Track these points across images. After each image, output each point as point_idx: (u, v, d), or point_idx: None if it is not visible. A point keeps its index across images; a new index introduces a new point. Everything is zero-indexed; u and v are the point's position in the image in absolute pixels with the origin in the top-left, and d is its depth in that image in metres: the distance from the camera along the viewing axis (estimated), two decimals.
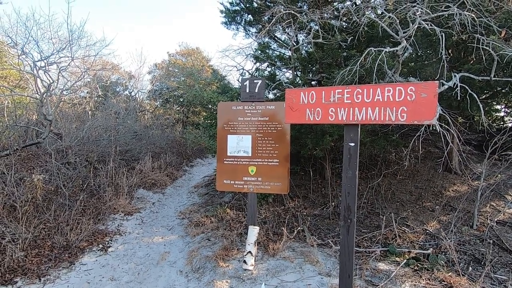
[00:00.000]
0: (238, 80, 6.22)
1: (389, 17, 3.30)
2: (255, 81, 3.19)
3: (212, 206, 5.17)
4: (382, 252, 3.34)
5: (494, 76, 3.21)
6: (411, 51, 3.77)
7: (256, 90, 3.20)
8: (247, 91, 3.20)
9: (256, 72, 5.28)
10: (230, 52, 8.13)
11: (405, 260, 3.09)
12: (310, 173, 5.16)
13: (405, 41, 3.31)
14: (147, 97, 13.23)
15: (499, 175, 4.87)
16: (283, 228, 3.68)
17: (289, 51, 5.02)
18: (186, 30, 40.22)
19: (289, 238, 3.63)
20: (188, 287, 2.90)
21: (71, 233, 3.73)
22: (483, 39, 2.98)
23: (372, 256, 3.24)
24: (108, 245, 3.84)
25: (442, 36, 2.96)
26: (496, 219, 3.94)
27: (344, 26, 4.67)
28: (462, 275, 2.85)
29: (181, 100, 12.51)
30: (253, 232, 3.10)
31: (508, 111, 7.86)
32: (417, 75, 4.40)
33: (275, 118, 3.20)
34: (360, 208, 4.45)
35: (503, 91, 4.35)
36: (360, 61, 3.13)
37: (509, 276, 2.89)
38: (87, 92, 9.64)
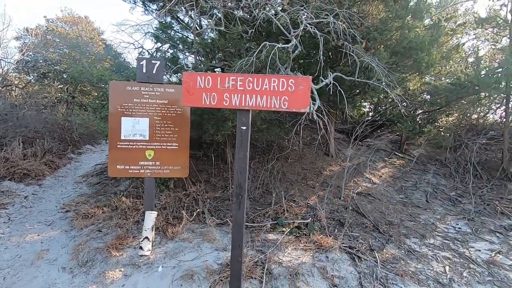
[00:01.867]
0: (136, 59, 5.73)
1: (282, 16, 3.68)
2: (153, 61, 3.04)
3: (105, 195, 4.72)
4: (272, 225, 3.81)
5: (357, 78, 4.02)
6: (301, 50, 4.30)
7: (154, 72, 3.07)
8: (144, 71, 3.03)
9: (156, 52, 4.99)
10: (127, 27, 7.31)
11: (289, 230, 3.63)
12: (212, 158, 5.31)
13: (294, 40, 3.76)
14: (14, 69, 10.62)
15: (360, 157, 6.19)
16: (183, 212, 3.72)
17: (192, 35, 4.95)
18: None
19: (189, 221, 3.70)
20: (73, 283, 2.63)
21: None
22: (350, 46, 3.68)
23: (264, 229, 3.66)
24: None
25: (321, 39, 3.51)
26: (356, 191, 5.01)
27: (246, 18, 4.91)
28: (329, 236, 3.55)
29: (65, 76, 10.58)
30: (150, 217, 3.04)
31: (372, 107, 9.96)
32: (306, 72, 5.06)
33: (175, 101, 3.16)
34: (257, 188, 4.89)
35: (364, 90, 5.47)
36: (256, 53, 3.40)
37: (360, 233, 3.77)
38: None
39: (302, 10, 3.63)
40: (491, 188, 5.50)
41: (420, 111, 7.36)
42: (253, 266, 2.84)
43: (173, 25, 5.38)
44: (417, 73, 5.45)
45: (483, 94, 6.71)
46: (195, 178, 5.03)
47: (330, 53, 5.04)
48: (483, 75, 5.82)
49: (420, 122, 7.33)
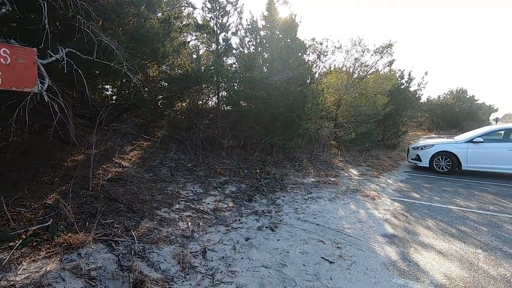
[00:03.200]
0: None
1: None
2: None
3: None
4: None
5: (96, 58, 3.75)
6: (10, 9, 3.28)
7: None
8: None
9: None
10: None
11: (21, 241, 2.87)
12: None
13: None
14: None
15: (107, 143, 5.93)
16: None
17: None
18: None
19: None
20: None
21: None
22: (84, 22, 3.34)
23: None
24: None
25: (44, 3, 2.89)
26: (106, 178, 4.82)
27: None
28: (80, 231, 3.23)
29: None
30: None
31: (115, 90, 9.59)
32: (23, 41, 3.95)
33: None
34: None
35: (109, 72, 5.21)
36: None
37: (114, 218, 3.74)
38: None
39: None
40: (213, 157, 7.36)
41: (160, 97, 8.19)
42: None
43: None
44: (155, 62, 5.98)
45: (204, 85, 8.64)
46: None
47: (58, 24, 4.25)
48: (203, 70, 7.47)
49: (161, 106, 8.17)
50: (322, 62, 11.43)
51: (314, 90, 8.80)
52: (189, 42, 9.11)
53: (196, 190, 5.28)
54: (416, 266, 3.12)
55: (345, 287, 2.69)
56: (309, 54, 10.59)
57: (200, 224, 3.93)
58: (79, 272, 2.56)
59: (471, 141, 8.06)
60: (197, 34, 9.55)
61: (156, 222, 3.82)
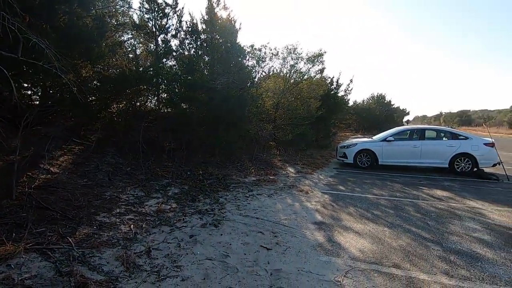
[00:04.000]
0: None
1: None
2: None
3: None
4: None
5: (21, 56, 3.49)
6: None
7: None
8: None
9: None
10: None
11: None
12: None
13: None
14: None
15: (32, 148, 5.39)
16: None
17: None
18: None
19: None
20: None
21: None
22: (8, 18, 3.11)
23: None
24: None
25: None
26: (33, 186, 4.44)
27: None
28: (7, 242, 3.00)
29: None
30: None
31: (35, 89, 8.59)
32: None
33: None
34: None
35: (30, 71, 4.79)
36: None
37: (47, 226, 3.53)
38: None
39: None
40: (154, 160, 7.24)
41: (94, 98, 7.68)
42: None
43: None
44: (89, 62, 5.66)
45: (142, 86, 8.38)
46: None
47: None
48: (141, 71, 7.29)
49: (94, 108, 7.66)
50: (261, 67, 12.07)
51: (253, 94, 9.29)
52: (125, 41, 8.75)
53: (137, 194, 5.20)
54: (338, 245, 3.71)
55: (280, 268, 3.09)
56: (248, 59, 11.08)
57: (143, 226, 3.95)
58: (11, 283, 2.43)
59: (384, 140, 9.52)
60: (133, 33, 9.22)
61: (95, 227, 3.72)
